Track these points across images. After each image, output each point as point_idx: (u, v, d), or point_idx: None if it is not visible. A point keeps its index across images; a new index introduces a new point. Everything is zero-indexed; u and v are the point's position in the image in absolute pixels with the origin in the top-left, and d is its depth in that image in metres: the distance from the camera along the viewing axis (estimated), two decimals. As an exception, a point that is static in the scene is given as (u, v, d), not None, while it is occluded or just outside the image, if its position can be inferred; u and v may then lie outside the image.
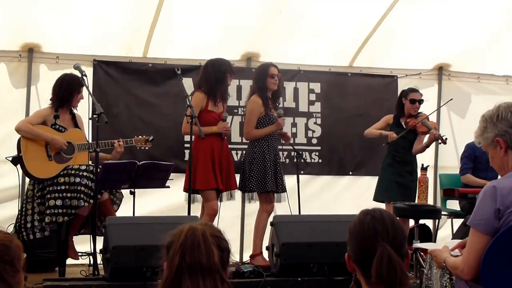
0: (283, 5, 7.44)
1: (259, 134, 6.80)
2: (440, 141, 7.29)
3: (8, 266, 2.28)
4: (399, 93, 7.75)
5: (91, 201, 6.01)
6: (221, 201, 6.70)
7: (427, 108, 7.82)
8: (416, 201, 6.66)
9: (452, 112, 8.76)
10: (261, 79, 6.83)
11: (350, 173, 8.41)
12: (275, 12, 7.51)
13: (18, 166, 6.25)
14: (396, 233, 2.37)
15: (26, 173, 6.26)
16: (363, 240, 2.37)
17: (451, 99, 7.63)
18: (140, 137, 6.64)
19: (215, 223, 6.55)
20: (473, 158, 7.59)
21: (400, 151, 7.31)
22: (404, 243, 2.39)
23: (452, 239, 6.47)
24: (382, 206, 7.20)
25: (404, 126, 7.35)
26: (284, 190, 6.87)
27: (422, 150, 7.43)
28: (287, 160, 7.93)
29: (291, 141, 7.33)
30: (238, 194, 7.24)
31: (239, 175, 6.93)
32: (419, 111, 7.43)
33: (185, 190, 6.62)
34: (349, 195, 8.29)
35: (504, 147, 3.32)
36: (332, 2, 7.50)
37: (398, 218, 6.72)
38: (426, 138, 7.34)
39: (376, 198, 7.38)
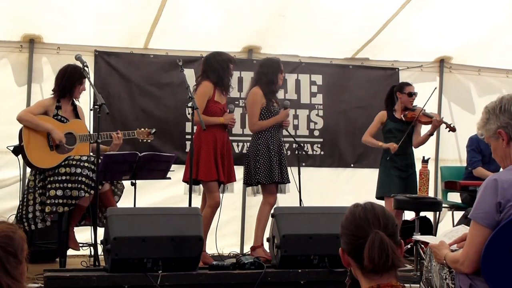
0: (287, 6, 7.40)
1: (264, 125, 6.82)
2: (448, 128, 7.33)
3: (11, 258, 2.28)
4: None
5: (92, 192, 6.01)
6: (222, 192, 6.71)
7: (428, 102, 7.81)
8: (417, 194, 6.66)
9: (452, 104, 8.76)
10: (273, 73, 6.86)
11: (352, 165, 8.41)
12: (277, 16, 7.49)
13: (20, 156, 6.25)
14: (388, 221, 2.38)
15: (27, 163, 6.26)
16: (355, 229, 2.37)
17: (436, 88, 7.66)
18: (142, 129, 6.64)
19: (216, 215, 6.57)
20: (479, 150, 7.57)
21: (400, 145, 7.31)
22: (396, 231, 2.40)
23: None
24: (382, 202, 7.22)
25: (404, 119, 7.36)
26: (288, 181, 6.89)
27: (425, 140, 7.43)
28: (289, 152, 7.93)
29: (289, 126, 7.32)
30: (238, 186, 7.25)
31: (242, 167, 6.94)
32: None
33: (184, 180, 6.62)
34: (351, 187, 8.29)
35: (506, 139, 3.31)
36: (334, 6, 7.48)
37: (396, 210, 6.71)
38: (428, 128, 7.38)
39: (379, 195, 7.37)
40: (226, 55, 6.72)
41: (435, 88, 7.61)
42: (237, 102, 7.90)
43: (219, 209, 6.55)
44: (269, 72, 6.87)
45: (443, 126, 7.50)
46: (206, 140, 6.47)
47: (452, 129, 7.38)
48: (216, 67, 6.61)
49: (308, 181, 7.71)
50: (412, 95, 7.39)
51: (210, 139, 6.51)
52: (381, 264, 2.30)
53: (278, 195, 6.91)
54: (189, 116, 6.24)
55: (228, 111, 6.66)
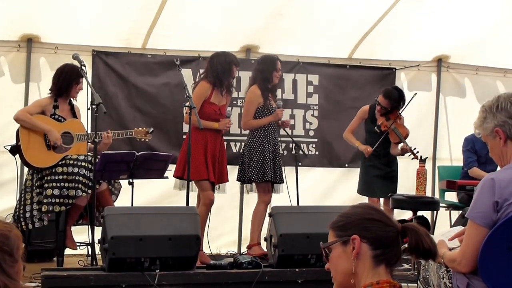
0: (284, 5, 7.40)
1: (256, 124, 6.84)
2: (412, 155, 7.16)
3: (7, 256, 2.27)
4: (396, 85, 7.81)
5: (89, 191, 6.01)
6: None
7: (425, 101, 7.82)
8: (415, 193, 6.66)
9: (450, 103, 8.76)
10: (268, 70, 6.88)
11: (346, 165, 8.41)
12: (275, 14, 7.50)
13: (17, 156, 6.25)
14: None
15: (24, 162, 6.25)
16: (385, 217, 2.39)
17: (416, 93, 7.68)
18: (140, 128, 6.64)
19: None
20: (474, 151, 7.57)
21: (375, 147, 7.29)
22: None
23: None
24: (364, 198, 7.30)
25: (377, 130, 7.29)
26: (282, 181, 6.90)
27: (398, 155, 7.41)
28: (285, 152, 7.93)
29: (289, 127, 7.31)
30: (236, 185, 7.25)
31: (237, 166, 6.95)
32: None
33: (175, 176, 6.65)
34: (345, 187, 8.30)
35: (504, 138, 3.31)
36: (331, 2, 7.48)
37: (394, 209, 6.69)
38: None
39: (360, 192, 7.44)
40: (230, 57, 6.68)
41: (415, 94, 7.59)
42: (235, 102, 7.90)
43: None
44: (264, 70, 6.89)
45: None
46: (195, 140, 6.46)
47: (416, 157, 7.07)
48: (216, 67, 6.60)
49: (304, 180, 7.72)
50: (379, 105, 7.30)
51: (201, 140, 6.52)
52: (424, 251, 2.36)
53: (274, 194, 6.92)
54: (186, 116, 6.23)
55: (225, 115, 6.66)
